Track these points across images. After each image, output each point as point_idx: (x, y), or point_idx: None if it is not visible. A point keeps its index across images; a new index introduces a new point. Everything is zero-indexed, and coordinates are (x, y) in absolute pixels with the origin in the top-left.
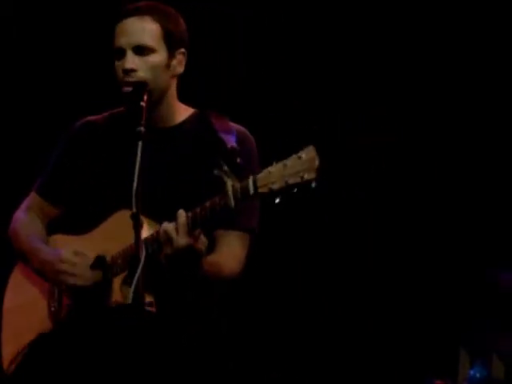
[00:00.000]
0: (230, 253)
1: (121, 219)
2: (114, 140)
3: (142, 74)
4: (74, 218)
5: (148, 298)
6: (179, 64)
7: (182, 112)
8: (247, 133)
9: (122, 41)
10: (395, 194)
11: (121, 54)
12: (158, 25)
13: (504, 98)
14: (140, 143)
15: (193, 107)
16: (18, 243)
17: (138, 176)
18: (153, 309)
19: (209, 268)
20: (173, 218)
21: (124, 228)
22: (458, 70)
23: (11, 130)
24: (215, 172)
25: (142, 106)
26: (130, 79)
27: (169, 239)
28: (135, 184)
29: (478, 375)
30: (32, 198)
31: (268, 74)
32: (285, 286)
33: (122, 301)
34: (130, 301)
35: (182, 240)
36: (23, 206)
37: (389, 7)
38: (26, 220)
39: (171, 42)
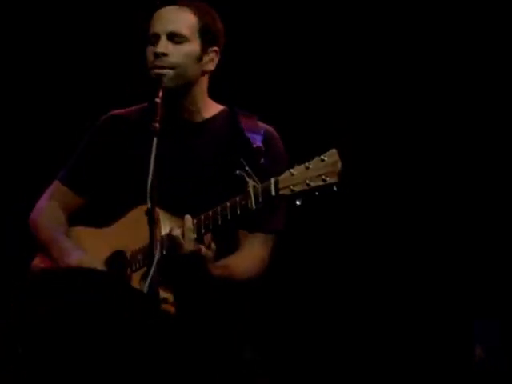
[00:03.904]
0: (249, 255)
1: (141, 214)
2: (140, 134)
3: (172, 59)
4: (96, 210)
5: (164, 294)
6: (211, 61)
7: (211, 108)
8: (275, 133)
9: (158, 27)
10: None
11: (154, 39)
12: (195, 17)
13: (503, 103)
14: (155, 139)
15: (223, 104)
16: (38, 232)
17: (153, 172)
18: (169, 306)
19: (219, 271)
20: (195, 213)
21: (145, 223)
22: (459, 72)
23: (31, 123)
24: (237, 172)
25: (157, 103)
26: (160, 63)
27: (176, 244)
28: (150, 180)
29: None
30: (55, 188)
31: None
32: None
33: None
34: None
35: (187, 245)
36: (45, 195)
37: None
38: (48, 210)
39: (206, 36)
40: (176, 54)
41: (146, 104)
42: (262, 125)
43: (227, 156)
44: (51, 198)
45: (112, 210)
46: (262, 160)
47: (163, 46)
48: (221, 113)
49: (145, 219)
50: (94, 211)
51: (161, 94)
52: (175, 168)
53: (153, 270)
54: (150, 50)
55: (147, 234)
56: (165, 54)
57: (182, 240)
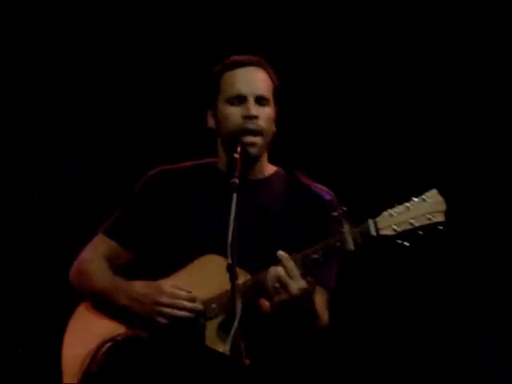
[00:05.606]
0: (320, 305)
1: (206, 264)
2: (189, 191)
3: (261, 122)
4: (150, 264)
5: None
6: (275, 121)
7: (269, 167)
8: (333, 194)
9: (244, 88)
10: None
11: (240, 100)
12: (270, 79)
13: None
14: (235, 195)
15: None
16: (91, 282)
17: (233, 227)
18: (245, 360)
19: (315, 310)
20: (262, 265)
21: (211, 273)
22: (461, 79)
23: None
24: (334, 214)
25: (236, 158)
26: (252, 126)
27: (283, 285)
28: (230, 235)
29: None
30: (100, 240)
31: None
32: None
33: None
34: (228, 352)
35: (297, 283)
36: (89, 246)
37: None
38: (96, 260)
39: (276, 97)
40: (263, 117)
41: (205, 160)
42: (321, 186)
43: (297, 209)
44: (96, 249)
45: (168, 261)
46: (335, 213)
47: (255, 108)
48: (277, 171)
49: (209, 269)
50: (148, 264)
51: (239, 149)
52: (243, 223)
53: (235, 327)
54: (234, 110)
55: (218, 282)
56: (257, 117)
57: (288, 279)
